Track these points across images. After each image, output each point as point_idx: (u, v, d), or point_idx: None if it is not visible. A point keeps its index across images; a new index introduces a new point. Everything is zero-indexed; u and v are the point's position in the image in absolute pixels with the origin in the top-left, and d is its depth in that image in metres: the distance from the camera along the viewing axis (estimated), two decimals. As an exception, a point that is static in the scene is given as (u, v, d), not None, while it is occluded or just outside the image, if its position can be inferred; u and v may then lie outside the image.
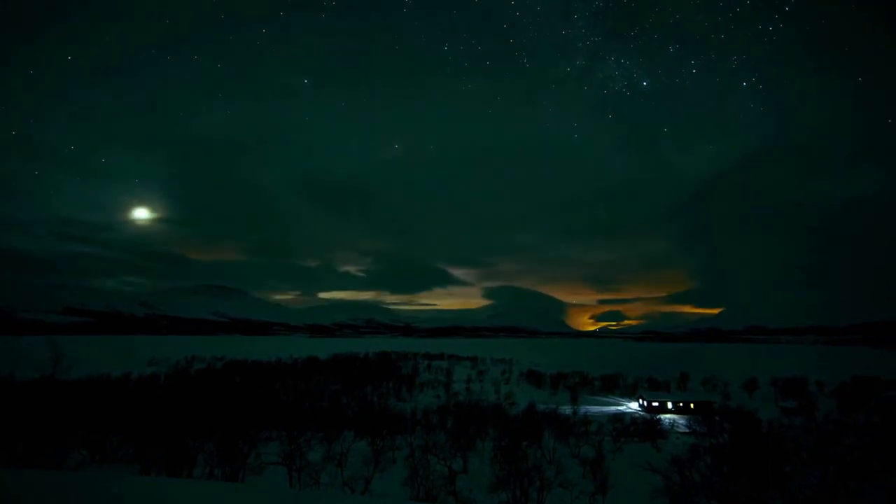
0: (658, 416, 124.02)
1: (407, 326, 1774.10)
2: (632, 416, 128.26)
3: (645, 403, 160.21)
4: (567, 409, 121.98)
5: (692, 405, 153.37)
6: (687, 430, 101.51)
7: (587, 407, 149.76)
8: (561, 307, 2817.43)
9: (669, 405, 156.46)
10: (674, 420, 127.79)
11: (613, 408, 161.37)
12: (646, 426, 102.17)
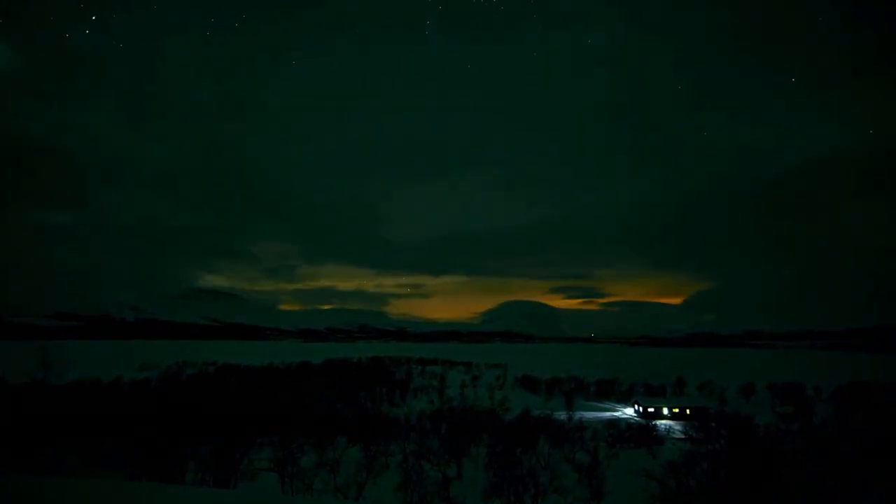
0: (654, 422, 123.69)
1: (401, 331, 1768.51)
2: (627, 421, 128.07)
3: (641, 409, 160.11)
4: (562, 415, 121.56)
5: (688, 411, 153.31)
6: (683, 436, 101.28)
7: (582, 412, 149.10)
8: (556, 311, 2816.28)
9: (665, 411, 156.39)
10: (670, 426, 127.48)
11: (609, 413, 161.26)
12: (641, 432, 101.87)
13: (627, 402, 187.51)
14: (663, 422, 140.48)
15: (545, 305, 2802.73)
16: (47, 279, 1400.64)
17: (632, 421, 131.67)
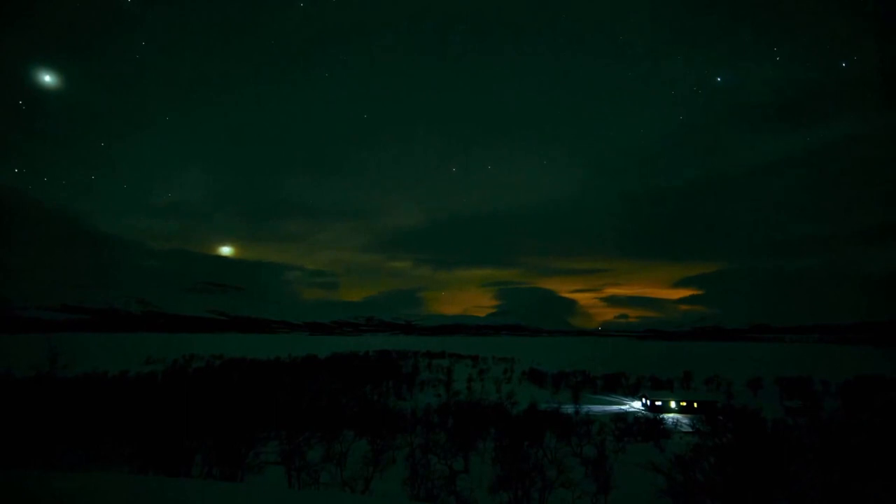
0: (661, 416, 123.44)
1: (408, 324, 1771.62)
2: (634, 415, 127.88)
3: (648, 403, 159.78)
4: (569, 409, 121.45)
5: (696, 404, 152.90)
6: (690, 430, 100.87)
7: (589, 406, 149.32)
8: (564, 304, 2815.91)
9: (673, 404, 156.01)
10: (677, 419, 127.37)
11: (616, 407, 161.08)
12: (649, 426, 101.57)
13: (635, 396, 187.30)
14: (670, 415, 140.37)
15: (553, 293, 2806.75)
16: (54, 272, 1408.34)
17: (639, 414, 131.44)
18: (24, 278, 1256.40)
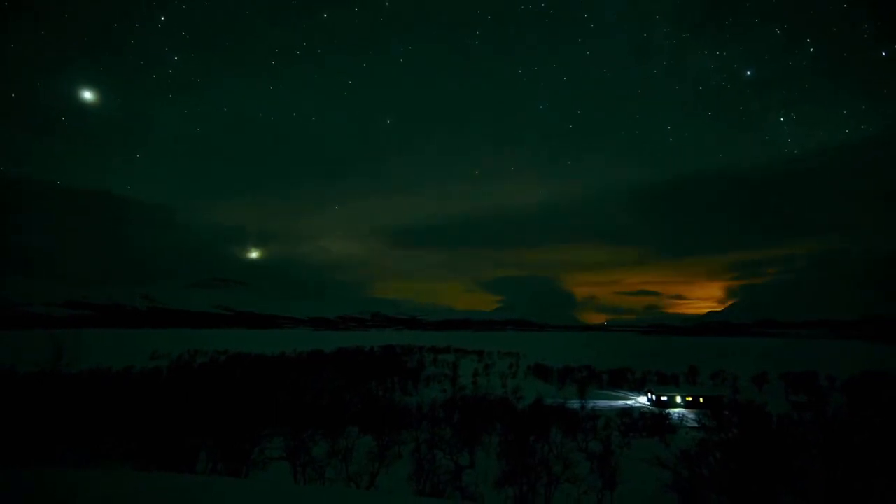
0: (667, 411, 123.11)
1: (413, 320, 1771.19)
2: (640, 410, 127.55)
3: (653, 398, 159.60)
4: (575, 404, 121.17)
5: (701, 399, 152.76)
6: (696, 425, 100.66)
7: (595, 401, 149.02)
8: (569, 299, 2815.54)
9: (678, 399, 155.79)
10: (683, 414, 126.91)
11: (622, 402, 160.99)
12: (654, 421, 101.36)
13: (640, 391, 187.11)
14: (676, 410, 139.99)
15: (559, 288, 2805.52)
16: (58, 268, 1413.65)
17: (645, 409, 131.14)
18: (29, 275, 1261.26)
